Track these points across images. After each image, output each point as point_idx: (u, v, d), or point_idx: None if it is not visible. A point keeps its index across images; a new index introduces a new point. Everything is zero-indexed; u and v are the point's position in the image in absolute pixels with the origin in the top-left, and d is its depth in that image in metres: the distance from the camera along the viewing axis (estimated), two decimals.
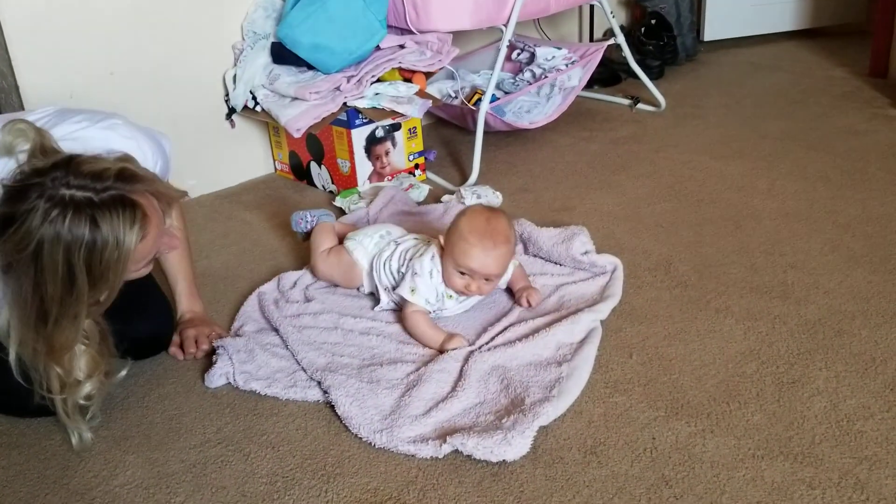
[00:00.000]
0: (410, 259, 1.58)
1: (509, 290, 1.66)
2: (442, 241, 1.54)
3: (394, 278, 1.60)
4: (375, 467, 1.24)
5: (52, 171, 1.13)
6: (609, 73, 3.09)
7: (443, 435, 1.26)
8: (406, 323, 1.54)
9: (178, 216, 1.57)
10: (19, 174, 1.15)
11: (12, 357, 1.20)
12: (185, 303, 1.58)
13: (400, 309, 1.59)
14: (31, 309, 1.15)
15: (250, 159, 2.46)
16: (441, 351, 1.47)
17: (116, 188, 1.15)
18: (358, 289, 1.70)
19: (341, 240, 1.76)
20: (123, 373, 1.35)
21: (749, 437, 1.24)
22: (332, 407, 1.35)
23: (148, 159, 1.29)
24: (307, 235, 1.82)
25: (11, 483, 1.27)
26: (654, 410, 1.31)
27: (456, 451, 1.23)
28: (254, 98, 2.27)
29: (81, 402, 1.28)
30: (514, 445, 1.21)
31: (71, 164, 1.14)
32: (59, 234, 1.11)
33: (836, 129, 2.49)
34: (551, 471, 1.20)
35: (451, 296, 1.56)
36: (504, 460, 1.21)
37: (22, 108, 1.98)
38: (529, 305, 1.59)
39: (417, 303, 1.53)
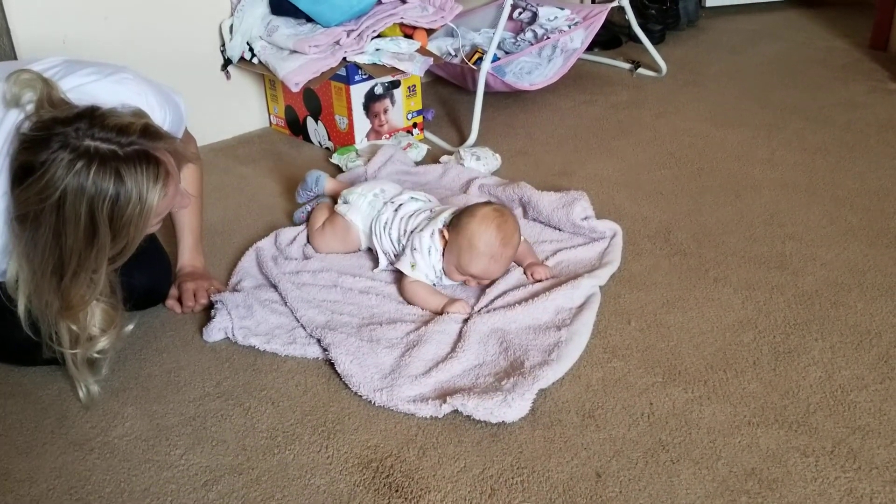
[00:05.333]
0: (411, 231, 1.56)
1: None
2: (446, 234, 1.51)
3: (394, 247, 1.59)
4: (375, 425, 1.24)
5: (76, 121, 1.11)
6: (610, 36, 3.06)
7: (443, 395, 1.26)
8: (405, 293, 1.53)
9: (196, 172, 1.56)
10: (37, 123, 1.12)
11: (21, 310, 1.19)
12: (188, 256, 1.57)
13: (398, 272, 1.58)
14: (48, 261, 1.13)
15: (245, 112, 2.43)
16: (441, 313, 1.47)
17: (140, 143, 1.14)
18: (359, 250, 1.69)
19: (335, 200, 1.74)
20: (131, 326, 1.35)
21: (745, 404, 1.25)
22: (332, 364, 1.36)
23: (156, 115, 1.27)
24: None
25: (8, 432, 1.27)
26: (651, 376, 1.32)
27: (455, 412, 1.24)
28: (251, 49, 2.23)
29: (95, 355, 1.27)
30: (513, 407, 1.22)
31: (95, 116, 1.12)
32: (83, 186, 1.09)
33: (836, 101, 2.48)
34: (550, 433, 1.21)
35: None
36: (503, 421, 1.22)
37: (13, 52, 1.93)
38: (537, 282, 1.57)
39: (417, 278, 1.52)
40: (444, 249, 1.52)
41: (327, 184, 1.86)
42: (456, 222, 1.52)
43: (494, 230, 1.47)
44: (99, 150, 1.10)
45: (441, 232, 1.52)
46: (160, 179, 1.15)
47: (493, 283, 1.55)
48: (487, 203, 1.56)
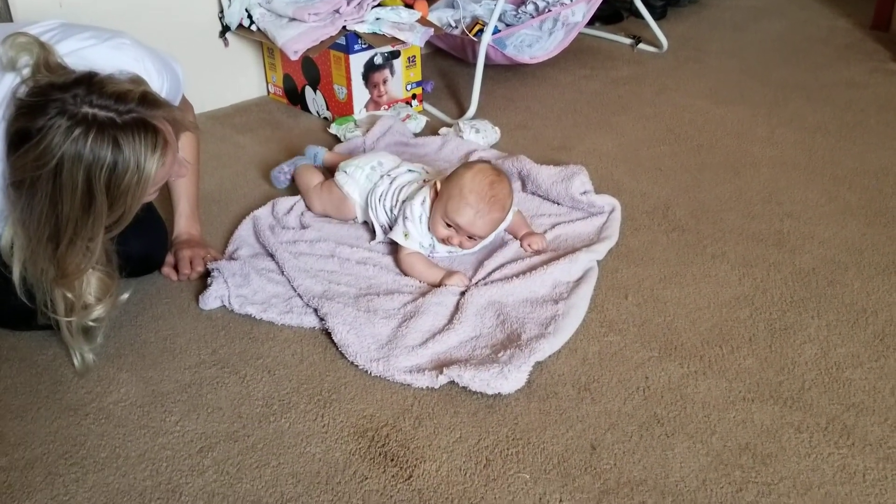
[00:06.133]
0: (403, 201, 1.55)
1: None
2: (438, 186, 1.51)
3: (388, 217, 1.58)
4: (372, 394, 1.24)
5: (73, 87, 1.10)
6: (611, 11, 3.03)
7: (439, 366, 1.26)
8: (402, 266, 1.52)
9: (193, 140, 1.55)
10: (34, 89, 1.11)
11: (16, 276, 1.18)
12: (184, 224, 1.57)
13: (394, 244, 1.58)
14: (44, 229, 1.12)
15: (243, 81, 2.40)
16: (440, 285, 1.47)
17: (138, 111, 1.12)
18: (354, 219, 1.68)
19: (332, 170, 1.73)
20: (126, 295, 1.34)
21: (740, 380, 1.25)
22: (328, 334, 1.35)
23: (154, 81, 1.25)
24: (289, 181, 1.80)
25: (2, 396, 1.27)
26: (647, 351, 1.32)
27: (451, 383, 1.24)
28: (249, 16, 2.21)
29: (91, 324, 1.26)
30: (509, 379, 1.22)
31: (93, 83, 1.11)
32: (81, 154, 1.08)
33: (837, 80, 2.47)
34: (545, 405, 1.21)
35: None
36: (499, 393, 1.22)
37: (9, 14, 1.91)
38: (535, 252, 1.57)
39: (411, 247, 1.52)
40: (433, 203, 1.50)
41: (326, 157, 1.85)
42: (451, 174, 1.51)
43: (487, 185, 1.46)
44: (97, 118, 1.09)
45: (434, 185, 1.51)
46: (158, 148, 1.14)
47: (490, 255, 1.55)
48: (487, 161, 1.55)
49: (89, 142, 1.08)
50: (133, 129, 1.11)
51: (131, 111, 1.12)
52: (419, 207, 1.51)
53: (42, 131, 1.08)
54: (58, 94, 1.09)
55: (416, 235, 1.51)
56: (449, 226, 1.48)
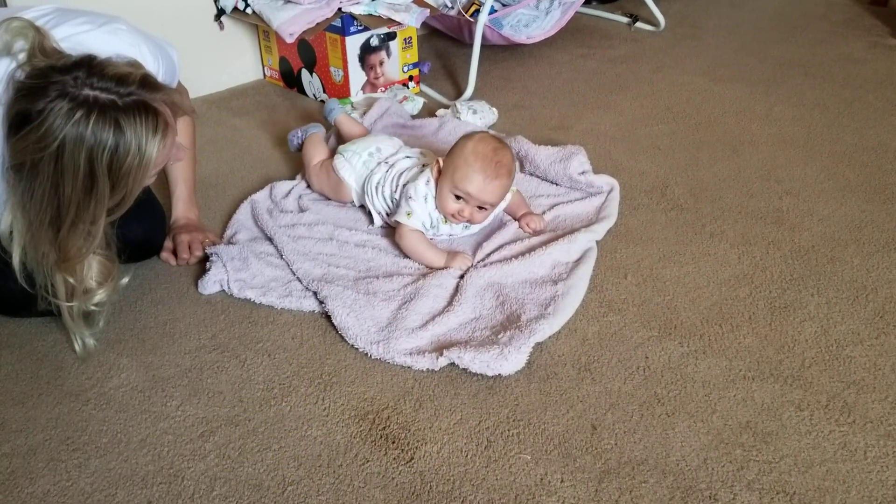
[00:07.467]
0: (404, 184, 1.54)
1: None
2: (441, 162, 1.50)
3: (387, 205, 1.57)
4: (372, 377, 1.24)
5: (74, 70, 1.09)
6: None
7: (439, 348, 1.26)
8: (403, 242, 1.50)
9: (189, 124, 1.54)
10: (34, 71, 1.10)
11: (16, 261, 1.17)
12: (181, 208, 1.56)
13: (393, 228, 1.57)
14: (45, 212, 1.12)
15: (239, 64, 2.39)
16: (443, 268, 1.46)
17: (139, 94, 1.12)
18: (351, 202, 1.68)
19: (339, 138, 1.73)
20: (126, 279, 1.34)
21: (741, 358, 1.26)
22: (328, 317, 1.35)
23: (150, 66, 1.24)
24: (299, 148, 1.80)
25: (4, 382, 1.27)
26: (647, 330, 1.32)
27: (452, 365, 1.24)
28: None
29: (92, 308, 1.26)
30: (510, 360, 1.22)
31: (93, 65, 1.10)
32: (83, 136, 1.08)
33: (836, 56, 2.46)
34: (546, 386, 1.22)
35: (445, 221, 1.52)
36: (500, 374, 1.22)
37: None
38: (533, 232, 1.57)
39: (414, 226, 1.51)
40: (437, 181, 1.48)
41: (339, 117, 1.86)
42: (452, 148, 1.49)
43: (491, 150, 1.44)
44: (98, 100, 1.09)
45: (436, 163, 1.49)
46: (159, 131, 1.14)
47: (489, 236, 1.54)
48: (486, 131, 1.55)
49: (91, 124, 1.08)
50: (134, 112, 1.11)
51: (132, 94, 1.12)
52: (424, 187, 1.50)
53: (43, 114, 1.07)
54: (58, 76, 1.09)
55: (419, 214, 1.50)
56: (458, 198, 1.46)
